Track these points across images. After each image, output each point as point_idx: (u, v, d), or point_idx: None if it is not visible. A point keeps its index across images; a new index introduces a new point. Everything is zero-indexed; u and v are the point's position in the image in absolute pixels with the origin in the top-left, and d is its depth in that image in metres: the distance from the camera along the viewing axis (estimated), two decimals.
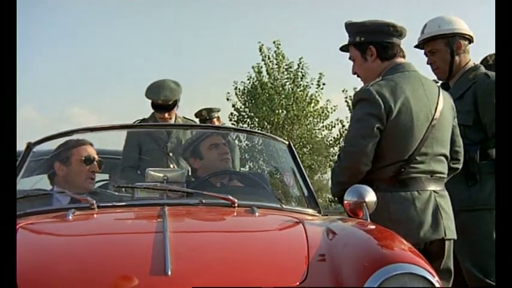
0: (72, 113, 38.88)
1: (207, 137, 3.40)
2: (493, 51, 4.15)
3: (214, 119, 6.50)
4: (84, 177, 3.09)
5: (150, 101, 4.61)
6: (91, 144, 3.18)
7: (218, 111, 6.69)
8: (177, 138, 4.11)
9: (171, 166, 3.73)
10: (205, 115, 6.42)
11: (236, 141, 3.82)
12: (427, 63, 3.72)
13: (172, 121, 4.62)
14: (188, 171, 3.44)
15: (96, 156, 3.15)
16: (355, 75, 3.28)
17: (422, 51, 3.73)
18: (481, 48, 4.35)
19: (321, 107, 22.19)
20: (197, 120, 6.19)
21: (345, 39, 3.28)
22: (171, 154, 3.98)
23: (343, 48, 3.31)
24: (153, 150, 4.00)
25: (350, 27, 3.22)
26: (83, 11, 34.88)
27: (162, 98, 4.50)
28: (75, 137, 3.17)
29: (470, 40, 3.67)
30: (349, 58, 3.26)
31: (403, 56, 3.18)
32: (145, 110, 4.72)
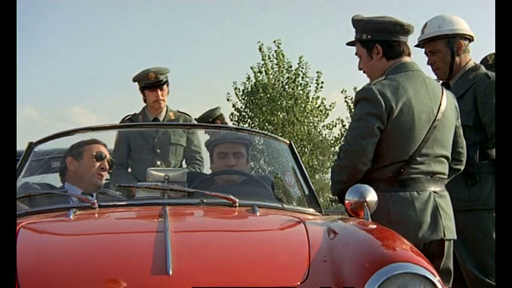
0: (72, 112, 38.93)
1: (218, 144, 3.37)
2: (493, 51, 4.14)
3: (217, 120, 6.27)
4: (93, 172, 3.12)
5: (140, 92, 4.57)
6: (105, 145, 3.23)
7: (217, 109, 6.42)
8: (164, 134, 4.05)
9: (158, 163, 3.66)
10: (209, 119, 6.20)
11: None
12: (427, 63, 3.70)
13: (165, 102, 4.55)
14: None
15: (108, 155, 3.19)
16: (361, 71, 3.26)
17: (423, 50, 3.72)
18: (481, 48, 4.34)
19: (318, 106, 22.17)
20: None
21: (346, 38, 3.29)
22: (158, 150, 3.93)
23: (350, 43, 3.29)
24: (141, 146, 3.95)
25: (357, 23, 3.19)
26: (83, 11, 34.90)
27: (152, 71, 4.48)
28: (88, 136, 3.19)
29: (470, 39, 3.66)
30: (356, 54, 3.25)
31: (409, 54, 3.16)
32: None
